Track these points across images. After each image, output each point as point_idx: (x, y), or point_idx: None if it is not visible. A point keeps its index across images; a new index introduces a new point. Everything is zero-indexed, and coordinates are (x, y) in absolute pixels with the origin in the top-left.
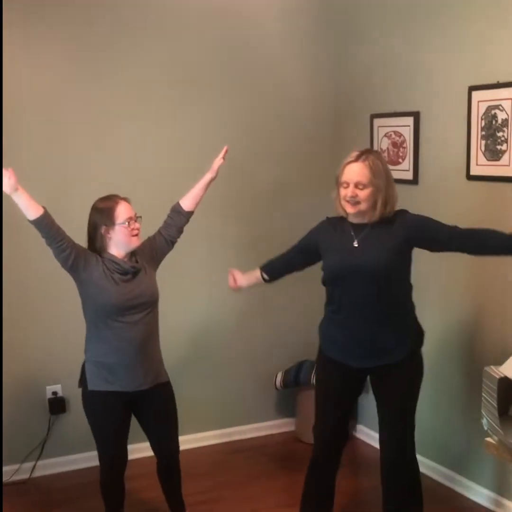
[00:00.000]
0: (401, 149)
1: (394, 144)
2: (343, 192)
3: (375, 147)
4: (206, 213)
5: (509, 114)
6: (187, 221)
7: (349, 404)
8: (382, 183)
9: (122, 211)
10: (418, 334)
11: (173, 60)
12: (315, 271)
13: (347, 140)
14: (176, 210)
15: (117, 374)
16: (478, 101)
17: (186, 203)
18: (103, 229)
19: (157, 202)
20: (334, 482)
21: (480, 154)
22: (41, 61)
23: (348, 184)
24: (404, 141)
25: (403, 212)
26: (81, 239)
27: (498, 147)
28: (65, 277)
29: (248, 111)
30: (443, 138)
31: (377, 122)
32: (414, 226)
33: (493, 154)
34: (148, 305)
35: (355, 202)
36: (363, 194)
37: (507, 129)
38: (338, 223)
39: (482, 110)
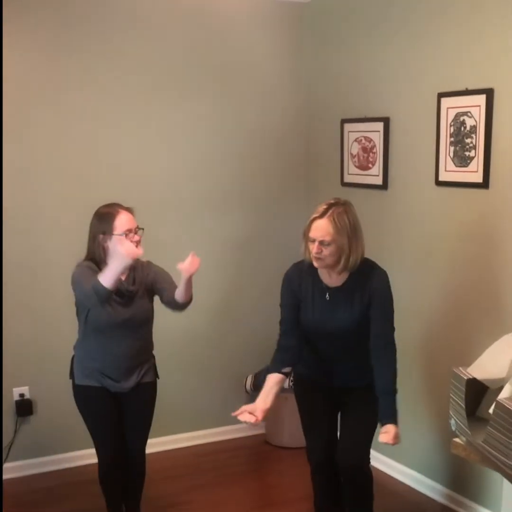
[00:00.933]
0: (371, 154)
1: (364, 149)
2: (310, 246)
3: (345, 152)
4: (180, 214)
5: (478, 121)
6: (185, 308)
7: (333, 417)
8: (346, 240)
9: (122, 221)
10: None
11: (151, 62)
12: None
13: (319, 144)
14: (173, 301)
15: (101, 376)
16: (447, 108)
17: (178, 297)
18: (100, 238)
19: (134, 196)
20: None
21: (449, 160)
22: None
23: (314, 240)
24: (374, 146)
25: (374, 272)
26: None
27: (467, 153)
28: (34, 280)
29: (221, 114)
30: (412, 143)
31: (347, 127)
32: (374, 296)
33: (462, 160)
34: (140, 324)
35: (320, 258)
36: (327, 250)
37: (476, 135)
38: (307, 268)
39: (451, 116)
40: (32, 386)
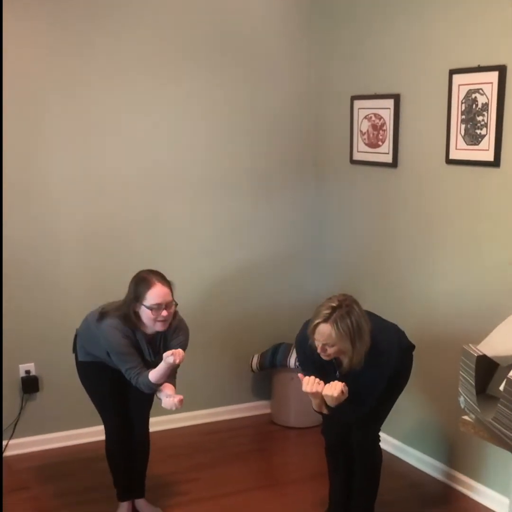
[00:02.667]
0: (381, 132)
1: (374, 127)
2: (315, 343)
3: (355, 130)
4: (186, 193)
5: (490, 98)
6: (146, 391)
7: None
8: (349, 344)
9: (154, 294)
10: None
11: (155, 40)
12: (292, 256)
13: (328, 122)
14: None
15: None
16: (459, 85)
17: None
18: (133, 304)
19: (138, 176)
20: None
21: (460, 138)
22: (24, 36)
23: (318, 341)
24: (384, 124)
25: (380, 351)
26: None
27: (478, 131)
28: (39, 255)
29: (229, 93)
30: (423, 121)
31: (357, 104)
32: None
33: (473, 138)
34: None
35: (326, 355)
36: (332, 350)
37: (487, 113)
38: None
39: (463, 93)
40: (38, 362)
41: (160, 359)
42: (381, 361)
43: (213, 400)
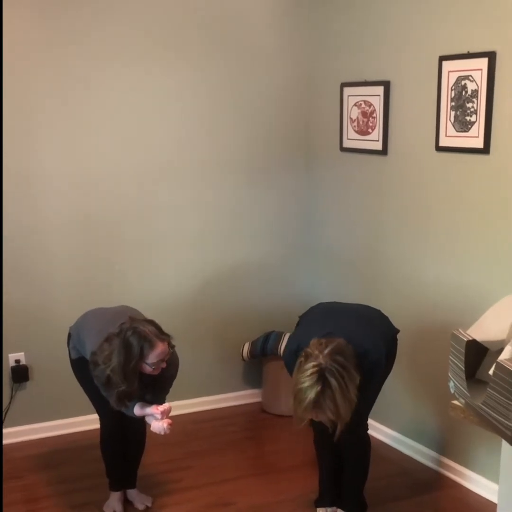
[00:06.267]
0: (370, 119)
1: (364, 114)
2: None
3: (345, 117)
4: (176, 182)
5: (479, 85)
6: (127, 415)
7: None
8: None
9: (156, 354)
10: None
11: (148, 25)
12: (282, 244)
13: (318, 109)
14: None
15: None
16: (449, 71)
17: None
18: (135, 364)
19: (130, 162)
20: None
21: (450, 125)
22: (15, 27)
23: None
24: (374, 111)
25: (367, 358)
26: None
27: (468, 118)
28: (30, 244)
29: (218, 80)
30: (413, 108)
31: (347, 91)
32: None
33: (463, 125)
34: None
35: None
36: (324, 418)
37: (477, 100)
38: None
39: (452, 80)
40: (28, 352)
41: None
42: (375, 372)
43: (204, 388)
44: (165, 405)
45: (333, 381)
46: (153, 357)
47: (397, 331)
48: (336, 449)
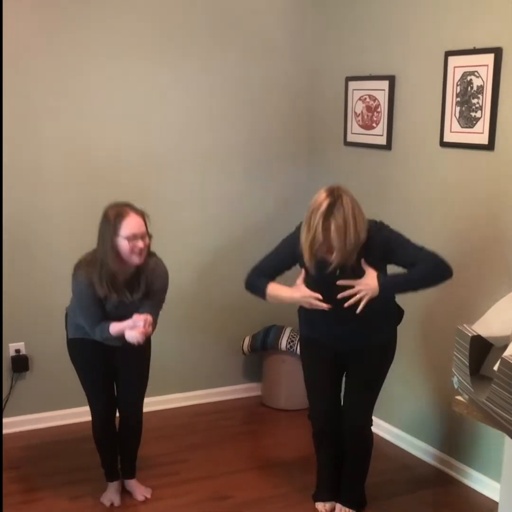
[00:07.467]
0: (375, 113)
1: (368, 108)
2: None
3: (349, 111)
4: (178, 172)
5: (485, 80)
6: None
7: (338, 383)
8: (344, 244)
9: (128, 224)
10: (398, 315)
11: (155, 15)
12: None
13: (322, 102)
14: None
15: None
16: (454, 67)
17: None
18: (110, 240)
19: (133, 152)
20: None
21: (455, 121)
22: (14, 16)
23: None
24: (378, 106)
25: (378, 230)
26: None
27: (473, 114)
28: (30, 235)
29: (222, 72)
30: (417, 103)
31: (352, 85)
32: (384, 249)
33: (468, 121)
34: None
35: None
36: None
37: (482, 96)
38: None
39: (458, 76)
40: (28, 342)
41: (139, 298)
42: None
43: (204, 381)
44: (147, 315)
45: (345, 198)
46: (126, 229)
47: (403, 312)
48: (336, 444)
